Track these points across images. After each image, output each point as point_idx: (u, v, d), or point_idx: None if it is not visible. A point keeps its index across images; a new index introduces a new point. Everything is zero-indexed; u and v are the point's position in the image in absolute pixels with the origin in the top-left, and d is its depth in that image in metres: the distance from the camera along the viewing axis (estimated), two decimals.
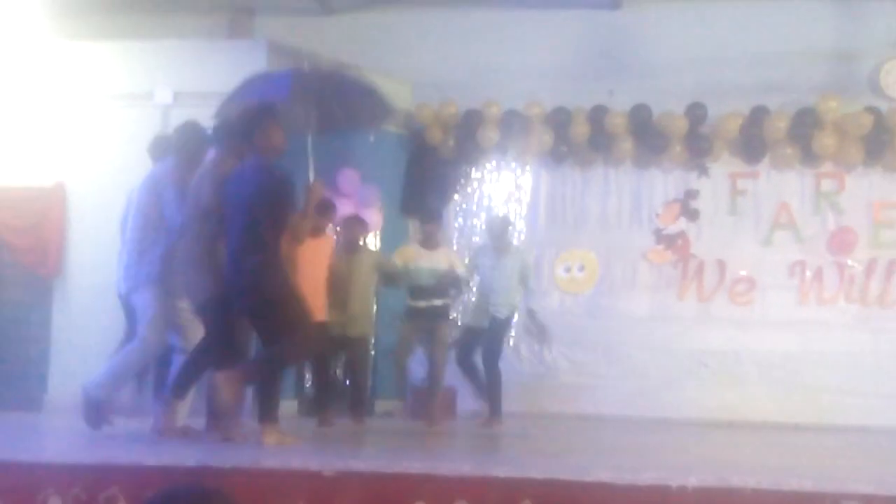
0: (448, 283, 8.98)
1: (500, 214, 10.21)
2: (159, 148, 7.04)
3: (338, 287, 8.68)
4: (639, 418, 10.40)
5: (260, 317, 6.01)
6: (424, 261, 8.95)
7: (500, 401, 9.03)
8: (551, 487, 4.41)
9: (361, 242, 9.13)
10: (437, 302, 8.96)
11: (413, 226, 11.25)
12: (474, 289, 9.18)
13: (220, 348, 6.08)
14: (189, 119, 6.88)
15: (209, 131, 6.72)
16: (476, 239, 11.21)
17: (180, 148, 6.60)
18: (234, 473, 4.63)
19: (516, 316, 9.53)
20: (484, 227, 9.70)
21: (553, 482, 4.46)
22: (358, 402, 8.89)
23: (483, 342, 9.08)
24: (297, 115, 6.77)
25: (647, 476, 4.51)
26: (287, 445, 5.81)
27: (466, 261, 9.65)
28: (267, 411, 6.01)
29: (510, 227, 9.66)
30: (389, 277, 8.97)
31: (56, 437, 7.31)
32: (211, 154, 6.55)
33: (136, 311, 6.68)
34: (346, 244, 8.95)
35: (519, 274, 9.14)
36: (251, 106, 6.28)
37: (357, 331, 8.79)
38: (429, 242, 9.12)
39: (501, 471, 4.62)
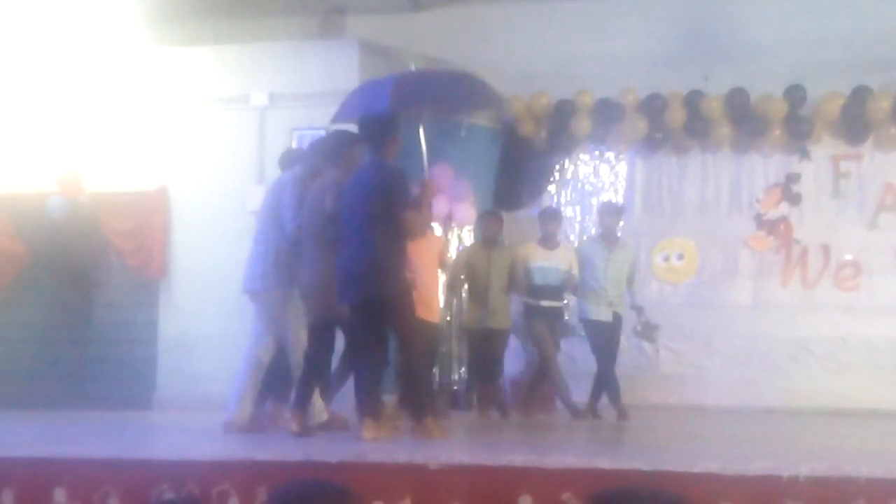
0: (566, 285, 9.03)
1: (612, 202, 10.12)
2: (287, 160, 7.26)
3: (477, 281, 8.93)
4: (743, 408, 10.24)
5: (371, 314, 6.10)
6: (545, 261, 8.99)
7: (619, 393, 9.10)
8: (659, 479, 4.36)
9: (498, 238, 9.28)
10: (555, 303, 9.04)
11: (507, 219, 11.23)
12: (588, 283, 9.06)
13: (370, 349, 6.18)
14: (342, 129, 6.97)
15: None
16: (569, 231, 11.16)
17: (336, 155, 6.60)
18: (341, 468, 4.69)
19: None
20: (596, 214, 9.61)
21: (660, 474, 4.42)
22: (497, 395, 9.10)
23: (604, 338, 9.06)
24: (412, 112, 6.88)
25: (757, 466, 4.44)
26: (384, 438, 5.88)
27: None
28: (366, 407, 6.08)
29: (622, 215, 9.53)
30: (516, 282, 9.07)
31: (167, 435, 7.49)
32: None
33: (264, 310, 6.88)
34: (485, 240, 9.20)
35: (629, 268, 9.11)
36: (378, 117, 6.46)
37: (498, 323, 9.02)
38: (549, 242, 9.16)
39: (606, 462, 4.58)
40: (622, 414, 8.89)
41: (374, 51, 10.12)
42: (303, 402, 6.41)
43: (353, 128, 6.66)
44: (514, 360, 9.93)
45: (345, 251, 6.16)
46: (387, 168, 6.17)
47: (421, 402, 6.29)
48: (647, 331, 9.28)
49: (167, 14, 10.83)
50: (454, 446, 5.78)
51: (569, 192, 11.43)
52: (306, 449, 5.23)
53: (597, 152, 11.40)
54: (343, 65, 9.35)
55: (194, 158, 10.28)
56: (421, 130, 6.87)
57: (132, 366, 10.34)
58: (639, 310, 9.21)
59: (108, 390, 10.21)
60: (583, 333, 9.30)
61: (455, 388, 10.20)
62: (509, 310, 9.22)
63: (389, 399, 9.04)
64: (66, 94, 10.48)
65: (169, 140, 10.38)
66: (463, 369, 10.26)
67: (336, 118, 7.36)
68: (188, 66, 10.38)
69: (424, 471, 4.64)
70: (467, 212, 10.28)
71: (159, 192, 10.41)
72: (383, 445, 5.56)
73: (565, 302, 9.26)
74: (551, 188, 11.41)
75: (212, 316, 9.70)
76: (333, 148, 6.61)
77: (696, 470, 4.42)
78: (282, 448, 5.41)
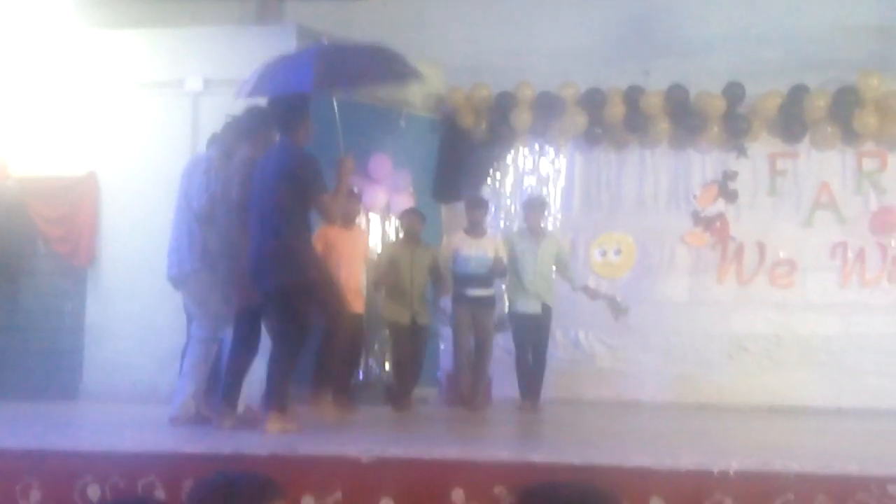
0: (495, 273, 8.98)
1: (537, 194, 10.16)
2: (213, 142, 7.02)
3: (401, 279, 8.82)
4: (678, 404, 10.30)
5: (288, 301, 5.92)
6: (472, 249, 8.94)
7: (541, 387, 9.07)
8: (591, 473, 4.33)
9: (420, 235, 9.19)
10: (484, 291, 8.99)
11: (446, 210, 11.19)
12: (518, 276, 9.05)
13: (287, 340, 5.99)
14: (254, 105, 6.67)
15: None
16: (509, 224, 11.13)
17: (250, 134, 6.44)
18: (270, 461, 4.60)
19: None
20: (521, 208, 9.70)
21: (592, 468, 4.39)
22: (408, 391, 9.01)
23: (533, 329, 9.03)
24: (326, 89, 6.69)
25: (688, 461, 4.45)
26: (290, 433, 5.71)
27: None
28: (275, 399, 5.92)
29: (547, 208, 9.59)
30: (441, 283, 9.02)
31: (92, 426, 7.32)
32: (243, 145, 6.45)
33: (189, 296, 6.69)
34: (408, 237, 9.08)
35: (556, 258, 9.12)
36: (289, 98, 6.20)
37: (422, 319, 9.02)
38: (476, 230, 9.10)
39: (539, 457, 4.55)
40: (534, 407, 8.86)
41: (312, 37, 9.90)
42: (232, 394, 6.25)
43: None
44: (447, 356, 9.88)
45: (256, 237, 5.96)
46: (297, 152, 5.98)
47: (344, 383, 6.09)
48: (617, 311, 9.36)
49: None
50: (386, 439, 5.70)
51: (508, 184, 11.39)
52: (235, 442, 5.12)
53: (536, 146, 11.38)
54: (280, 50, 9.02)
55: (125, 144, 10.04)
56: (336, 109, 6.60)
57: (58, 355, 10.08)
58: (586, 289, 9.26)
59: (33, 380, 9.93)
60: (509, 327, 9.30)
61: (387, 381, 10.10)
62: (428, 306, 9.21)
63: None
64: None
65: (99, 124, 10.11)
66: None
67: (245, 93, 6.66)
68: (120, 49, 10.12)
69: (356, 464, 4.58)
70: (406, 202, 10.20)
71: (88, 177, 10.15)
72: (315, 438, 5.45)
73: (493, 291, 9.20)
74: (490, 180, 11.36)
75: (141, 305, 9.51)
76: (247, 126, 6.41)
77: (628, 464, 4.41)
78: (210, 440, 5.29)
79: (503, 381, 9.60)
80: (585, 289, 9.37)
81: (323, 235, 8.22)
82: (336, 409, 8.39)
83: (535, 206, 9.40)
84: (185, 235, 6.53)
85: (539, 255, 9.06)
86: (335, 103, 6.58)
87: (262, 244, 5.92)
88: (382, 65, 6.98)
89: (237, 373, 6.27)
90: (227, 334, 6.51)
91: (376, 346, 10.09)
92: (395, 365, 9.40)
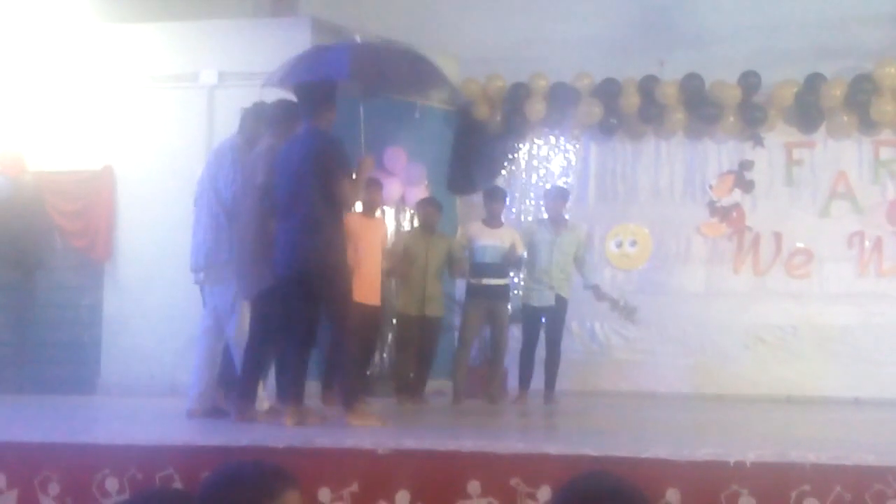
0: (509, 263, 8.97)
1: (557, 186, 10.14)
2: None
3: (415, 268, 8.81)
4: (694, 395, 10.31)
5: (305, 289, 5.90)
6: (489, 239, 8.94)
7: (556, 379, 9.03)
8: (607, 464, 4.31)
9: (436, 225, 9.16)
10: (499, 281, 8.97)
11: (461, 202, 11.19)
12: (534, 266, 9.05)
13: (303, 333, 5.98)
14: (283, 98, 6.73)
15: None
16: (524, 215, 11.12)
17: (277, 123, 6.42)
18: (287, 453, 4.59)
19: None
20: (543, 198, 9.68)
21: (609, 459, 4.37)
22: (422, 382, 8.97)
23: (548, 321, 9.01)
24: (351, 87, 6.74)
25: (705, 452, 4.42)
26: (307, 426, 5.71)
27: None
28: (290, 392, 5.93)
29: (567, 200, 9.55)
30: (457, 266, 9.00)
31: (110, 419, 7.35)
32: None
33: (212, 295, 6.63)
34: (423, 227, 9.07)
35: (575, 250, 9.09)
36: (315, 84, 6.27)
37: (434, 311, 8.94)
38: (494, 221, 9.10)
39: (555, 448, 4.53)
40: (550, 398, 8.87)
41: (326, 29, 9.97)
42: (249, 387, 6.24)
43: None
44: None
45: (284, 223, 5.95)
46: (322, 135, 5.97)
47: (353, 386, 6.06)
48: (627, 313, 9.32)
49: None
50: (402, 432, 5.70)
51: (523, 175, 11.37)
52: (252, 434, 5.13)
53: (551, 137, 11.36)
54: (295, 43, 9.14)
55: (141, 138, 10.08)
56: (361, 109, 6.70)
57: (76, 349, 10.16)
58: (595, 289, 9.23)
59: (52, 374, 10.02)
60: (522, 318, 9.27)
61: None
62: (443, 298, 9.18)
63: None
64: (8, 71, 10.23)
65: (115, 119, 10.16)
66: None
67: (275, 81, 7.00)
68: (135, 43, 10.16)
69: (372, 456, 4.56)
70: (421, 195, 10.18)
71: (105, 171, 10.20)
72: (330, 431, 5.46)
73: (508, 281, 9.18)
74: (505, 172, 11.34)
75: (158, 298, 9.55)
76: (275, 116, 6.43)
77: (644, 456, 4.39)
78: (227, 433, 5.31)
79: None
80: (594, 288, 9.28)
81: (345, 224, 8.20)
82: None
83: (556, 197, 9.38)
84: (214, 227, 6.49)
85: (558, 245, 9.04)
86: (361, 107, 6.64)
87: (289, 231, 5.91)
88: (415, 73, 7.01)
89: (255, 366, 6.26)
90: (230, 328, 6.51)
91: (390, 338, 10.09)
92: (399, 356, 9.35)
